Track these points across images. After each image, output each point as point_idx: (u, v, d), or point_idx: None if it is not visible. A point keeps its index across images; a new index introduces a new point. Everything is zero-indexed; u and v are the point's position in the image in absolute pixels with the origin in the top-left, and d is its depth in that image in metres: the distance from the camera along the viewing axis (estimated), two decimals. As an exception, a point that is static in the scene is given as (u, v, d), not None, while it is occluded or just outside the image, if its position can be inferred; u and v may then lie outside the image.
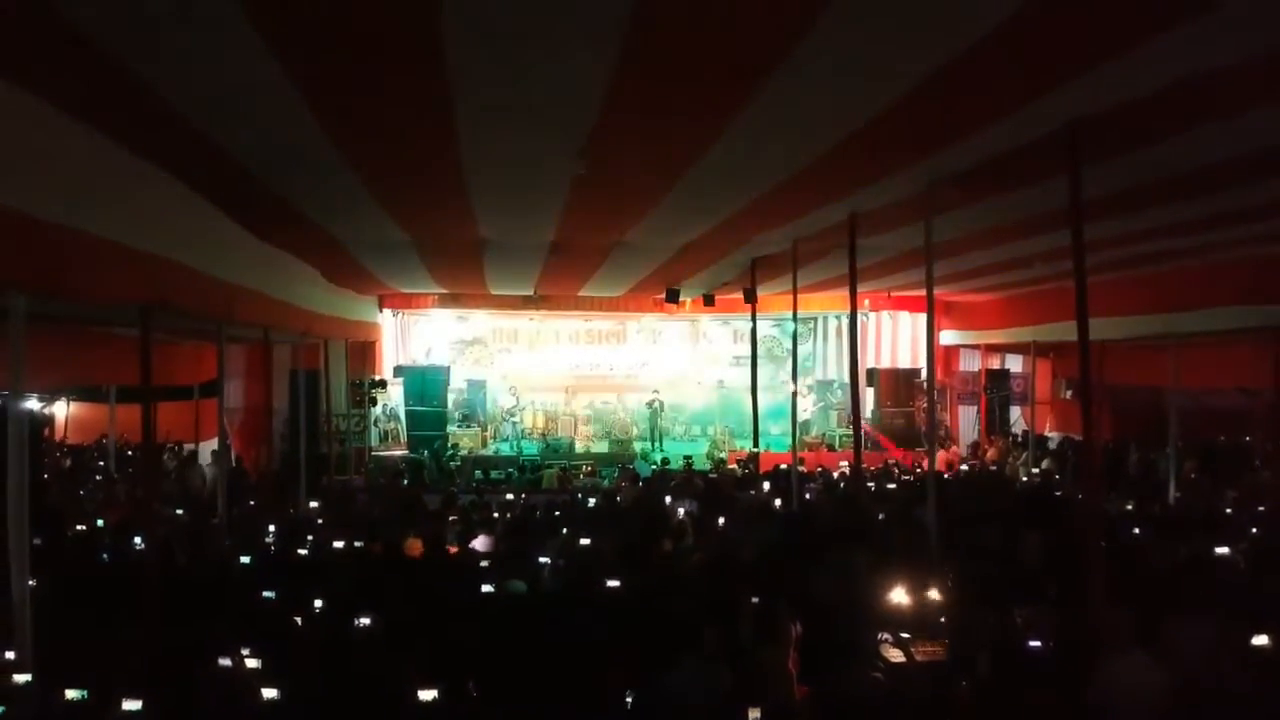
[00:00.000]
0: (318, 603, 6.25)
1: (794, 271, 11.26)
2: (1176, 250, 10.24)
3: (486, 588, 6.31)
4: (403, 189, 7.94)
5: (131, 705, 4.02)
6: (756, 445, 13.17)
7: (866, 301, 17.28)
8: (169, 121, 5.59)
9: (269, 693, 4.47)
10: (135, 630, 5.22)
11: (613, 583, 6.51)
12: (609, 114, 5.45)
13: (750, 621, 5.52)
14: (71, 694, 4.44)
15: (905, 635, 5.68)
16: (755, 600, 5.80)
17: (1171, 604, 5.51)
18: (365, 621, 5.63)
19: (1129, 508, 10.36)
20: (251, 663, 4.95)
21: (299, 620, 5.99)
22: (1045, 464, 14.59)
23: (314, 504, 11.71)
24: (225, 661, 4.68)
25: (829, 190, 7.84)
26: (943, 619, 6.01)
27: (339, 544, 8.38)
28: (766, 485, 11.94)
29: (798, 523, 9.51)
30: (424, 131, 6.03)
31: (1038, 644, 5.71)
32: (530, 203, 8.42)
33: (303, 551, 8.33)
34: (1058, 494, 11.68)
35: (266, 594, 6.40)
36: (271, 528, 9.64)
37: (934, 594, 6.31)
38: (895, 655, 5.73)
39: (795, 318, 12.64)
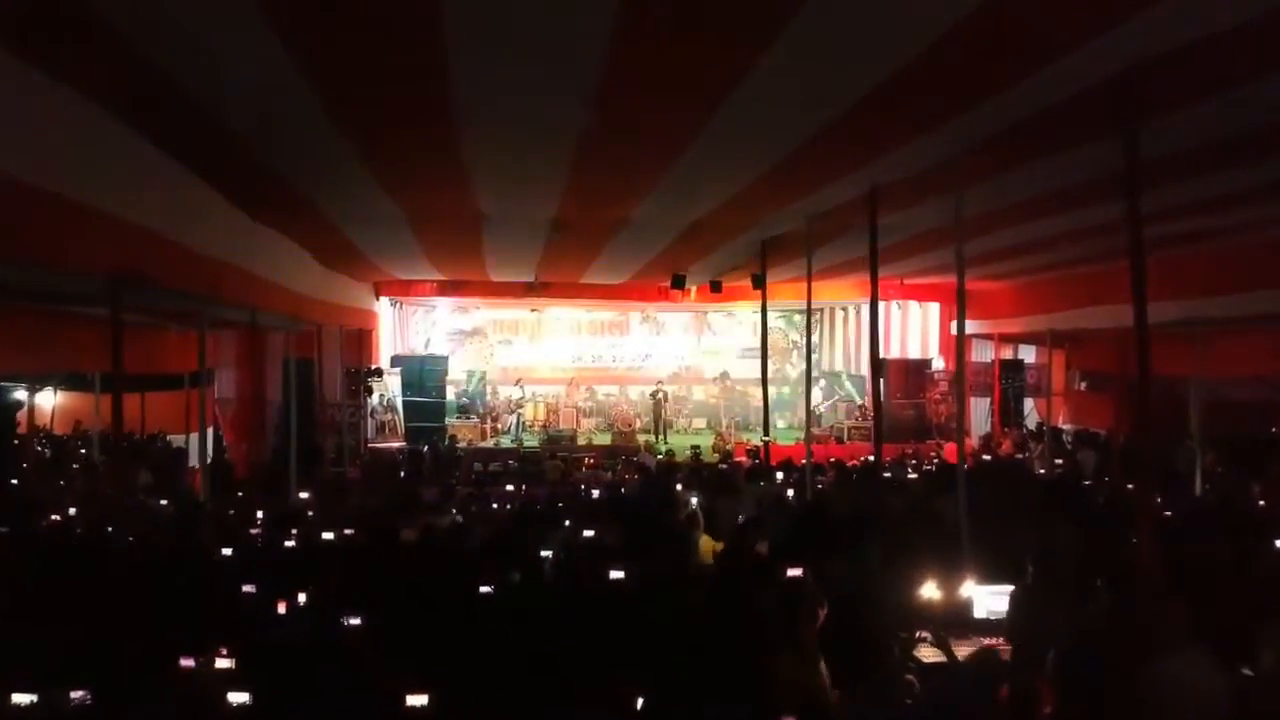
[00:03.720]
0: (301, 597, 5.81)
1: (808, 254, 10.72)
2: (1221, 228, 9.67)
3: (485, 589, 5.83)
4: (394, 154, 7.44)
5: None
6: (767, 433, 12.72)
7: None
8: (147, 81, 5.21)
9: (238, 697, 4.00)
10: (89, 627, 4.72)
11: (616, 573, 6.09)
12: (613, 70, 5.02)
13: (773, 599, 5.09)
14: (19, 699, 3.98)
15: (943, 633, 5.21)
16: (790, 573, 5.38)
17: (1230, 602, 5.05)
18: (354, 621, 5.18)
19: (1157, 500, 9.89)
20: (223, 663, 4.49)
21: (281, 611, 5.53)
22: (1080, 455, 14.05)
23: (304, 495, 11.23)
24: (188, 662, 4.20)
25: (848, 158, 7.34)
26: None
27: (329, 535, 7.94)
28: (780, 475, 11.50)
29: (814, 513, 9.04)
30: (416, 87, 5.56)
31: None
32: (531, 171, 7.91)
33: (290, 544, 7.88)
34: (1086, 483, 11.20)
35: (246, 588, 5.97)
36: (260, 515, 9.18)
37: (966, 590, 5.86)
38: (929, 655, 5.27)
39: (809, 305, 12.11)
